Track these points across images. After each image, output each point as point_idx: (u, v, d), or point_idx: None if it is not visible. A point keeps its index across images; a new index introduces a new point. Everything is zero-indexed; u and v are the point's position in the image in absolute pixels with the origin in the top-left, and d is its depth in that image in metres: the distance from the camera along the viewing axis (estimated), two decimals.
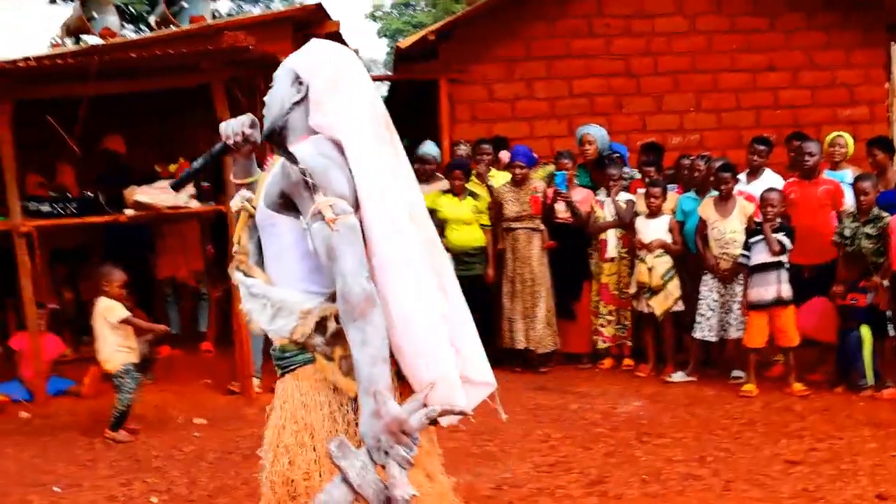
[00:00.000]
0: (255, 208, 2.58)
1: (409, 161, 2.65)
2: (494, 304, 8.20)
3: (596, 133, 8.63)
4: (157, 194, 7.48)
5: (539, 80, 9.84)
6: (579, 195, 8.23)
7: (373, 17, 31.62)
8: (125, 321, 6.68)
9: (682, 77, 10.08)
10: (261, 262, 2.60)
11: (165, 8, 9.85)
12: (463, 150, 8.90)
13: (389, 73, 15.48)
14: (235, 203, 2.66)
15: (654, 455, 5.69)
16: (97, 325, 6.74)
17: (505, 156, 8.63)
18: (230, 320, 8.90)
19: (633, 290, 7.86)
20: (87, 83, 6.92)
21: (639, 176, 8.45)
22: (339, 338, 2.39)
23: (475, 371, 2.67)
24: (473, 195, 8.20)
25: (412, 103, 12.67)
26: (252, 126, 2.65)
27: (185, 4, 9.97)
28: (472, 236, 8.15)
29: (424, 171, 8.51)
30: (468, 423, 6.27)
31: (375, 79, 14.83)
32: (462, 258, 8.05)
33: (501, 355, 8.16)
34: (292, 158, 2.38)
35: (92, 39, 10.24)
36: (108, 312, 6.68)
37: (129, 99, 7.88)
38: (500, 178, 8.41)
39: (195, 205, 7.64)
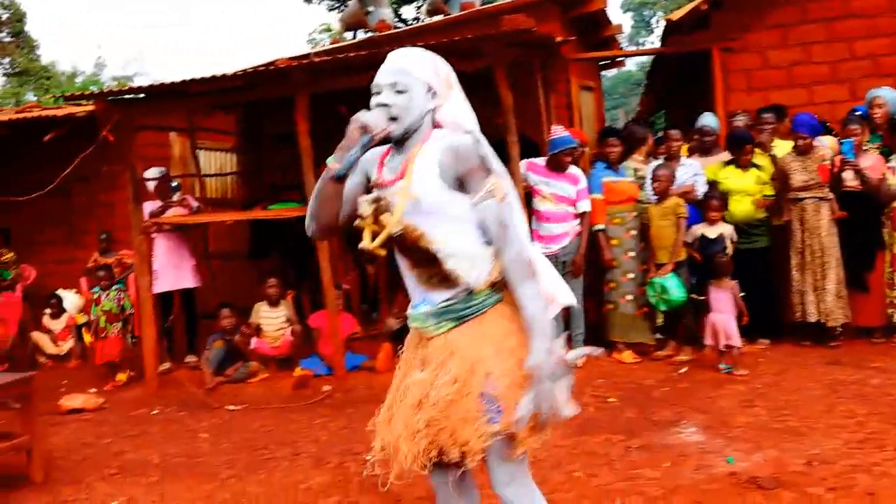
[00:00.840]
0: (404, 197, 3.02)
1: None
2: (781, 277, 7.97)
3: (888, 96, 8.19)
4: None
5: (817, 43, 9.39)
6: (869, 161, 7.83)
7: None
8: None
9: None
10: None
11: None
12: (741, 120, 8.66)
13: (641, 48, 15.29)
14: (366, 208, 3.07)
15: None
16: None
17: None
18: None
19: None
20: (376, 73, 7.25)
21: None
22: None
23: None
24: (756, 166, 7.98)
25: (678, 75, 12.48)
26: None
27: None
28: (755, 208, 7.94)
29: (704, 144, 8.38)
30: (764, 399, 6.18)
31: (644, 53, 14.77)
32: (745, 230, 7.88)
33: (790, 329, 7.96)
34: (466, 147, 2.97)
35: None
36: None
37: None
38: (783, 148, 8.13)
39: None
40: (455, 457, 2.95)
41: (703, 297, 7.59)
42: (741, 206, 7.91)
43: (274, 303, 8.90)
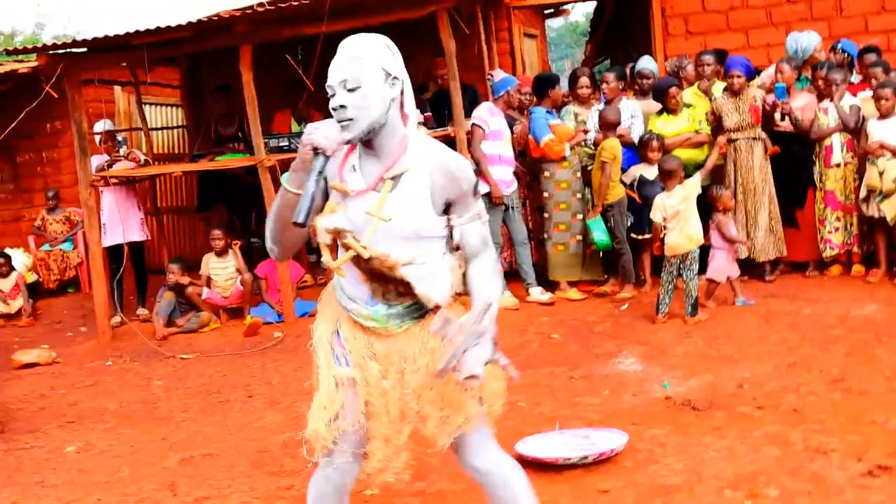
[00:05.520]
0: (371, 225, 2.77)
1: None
2: None
3: (816, 41, 8.45)
4: None
5: None
6: (802, 101, 8.04)
7: None
8: None
9: None
10: None
11: None
12: (671, 65, 8.86)
13: None
14: (324, 237, 2.81)
15: None
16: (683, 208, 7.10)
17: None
18: None
19: (863, 194, 7.66)
20: (321, 23, 7.34)
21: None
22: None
23: None
24: (687, 105, 8.15)
25: (620, 22, 12.66)
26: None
27: None
28: (693, 151, 8.11)
29: (643, 86, 8.53)
30: (702, 330, 6.39)
31: None
32: (688, 171, 8.04)
33: None
34: (463, 170, 2.81)
35: None
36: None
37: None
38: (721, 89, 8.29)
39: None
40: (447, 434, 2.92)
41: (641, 237, 7.83)
42: (680, 150, 8.06)
43: (221, 253, 8.95)
